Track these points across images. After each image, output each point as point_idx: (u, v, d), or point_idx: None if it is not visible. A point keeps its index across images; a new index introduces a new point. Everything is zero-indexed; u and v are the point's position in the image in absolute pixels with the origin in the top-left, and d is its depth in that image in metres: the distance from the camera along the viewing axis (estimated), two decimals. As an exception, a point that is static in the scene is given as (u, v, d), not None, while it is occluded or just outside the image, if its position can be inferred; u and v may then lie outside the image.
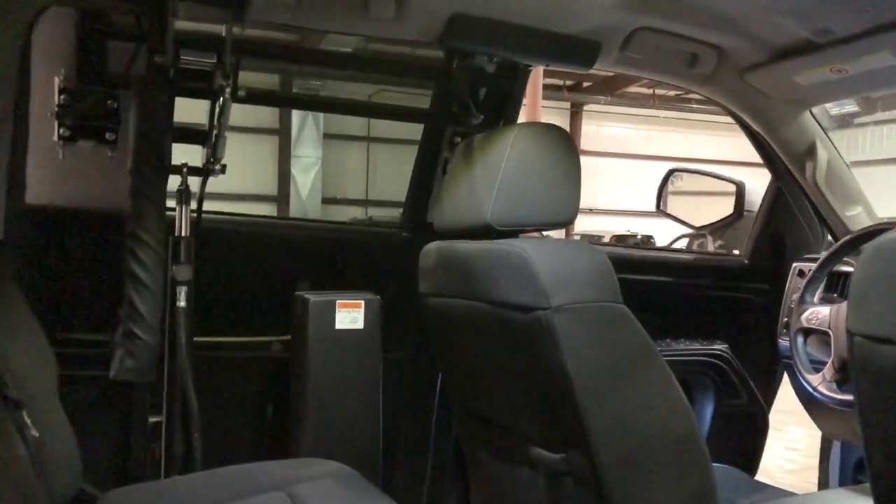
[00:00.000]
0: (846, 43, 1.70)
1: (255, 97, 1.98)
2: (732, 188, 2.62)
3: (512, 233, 1.55)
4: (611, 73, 9.39)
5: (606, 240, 11.42)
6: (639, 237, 13.18)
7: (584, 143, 16.41)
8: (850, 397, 1.79)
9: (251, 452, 2.12)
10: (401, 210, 2.38)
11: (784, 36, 1.80)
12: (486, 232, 1.55)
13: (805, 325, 2.01)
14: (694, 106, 15.59)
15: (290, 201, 12.53)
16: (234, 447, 2.11)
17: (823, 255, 2.06)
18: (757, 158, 2.45)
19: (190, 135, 1.88)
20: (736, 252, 2.72)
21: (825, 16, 1.66)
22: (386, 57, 2.46)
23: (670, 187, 2.75)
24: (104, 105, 1.79)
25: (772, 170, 2.41)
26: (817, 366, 1.95)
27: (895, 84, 1.92)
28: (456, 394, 1.89)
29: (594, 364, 1.43)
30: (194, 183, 1.91)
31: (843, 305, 1.87)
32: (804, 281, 2.10)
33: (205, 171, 1.90)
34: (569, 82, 15.55)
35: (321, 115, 12.68)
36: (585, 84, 15.94)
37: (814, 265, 2.07)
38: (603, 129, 17.01)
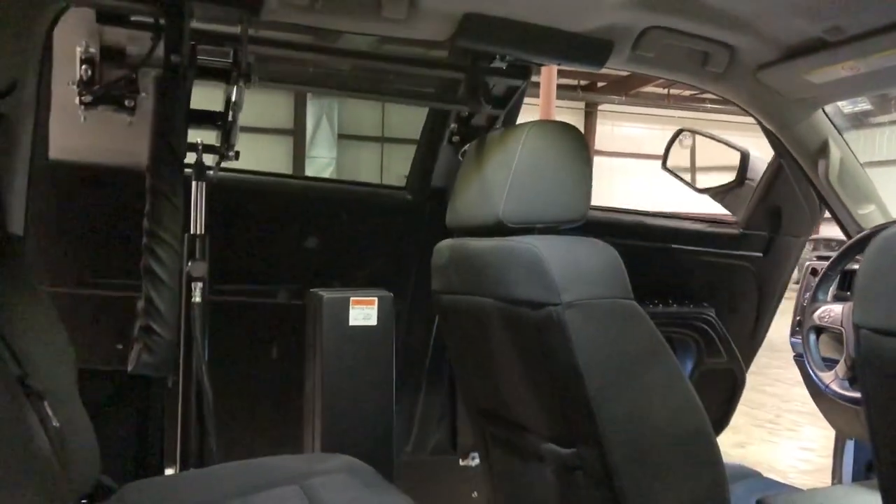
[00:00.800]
0: (857, 41, 1.70)
1: (269, 78, 2.02)
2: (737, 155, 2.66)
3: (524, 230, 1.56)
4: (625, 73, 9.37)
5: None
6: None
7: (599, 143, 16.37)
8: (862, 395, 1.79)
9: (266, 446, 2.15)
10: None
11: (796, 34, 1.80)
12: (498, 229, 1.57)
13: (818, 322, 2.02)
14: (709, 106, 15.51)
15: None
16: (249, 441, 2.14)
17: (836, 253, 2.06)
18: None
19: (204, 118, 1.91)
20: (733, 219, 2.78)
21: (836, 14, 1.66)
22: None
23: (678, 146, 2.79)
24: (124, 79, 1.83)
25: (787, 164, 2.42)
26: (830, 364, 1.95)
27: (908, 81, 1.92)
28: (468, 390, 1.91)
29: (605, 359, 1.44)
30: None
31: (856, 303, 1.87)
32: (816, 279, 2.10)
33: (220, 153, 1.94)
34: (583, 82, 15.52)
35: (336, 115, 12.73)
36: (600, 84, 15.90)
37: (826, 263, 2.07)
38: (617, 129, 16.96)
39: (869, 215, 2.25)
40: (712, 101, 14.89)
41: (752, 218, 2.64)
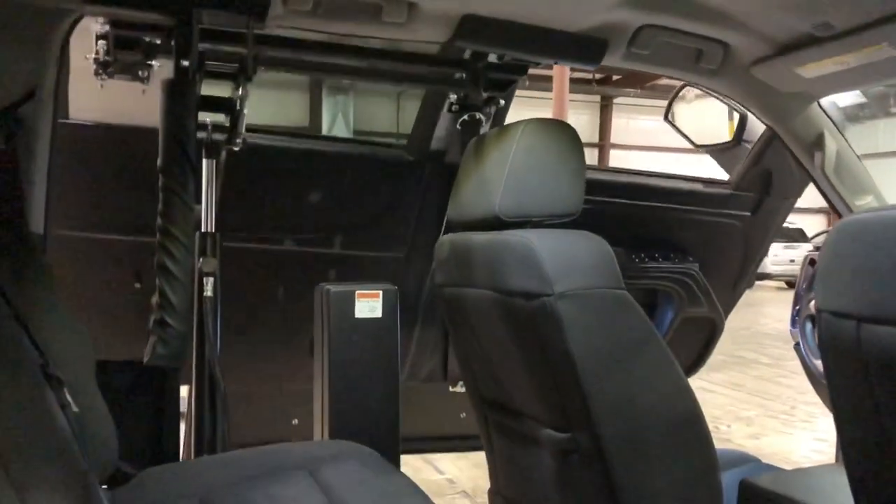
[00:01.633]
0: (846, 36, 1.74)
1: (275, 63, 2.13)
2: (736, 116, 2.80)
3: (519, 224, 1.62)
4: (638, 67, 9.30)
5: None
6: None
7: (615, 136, 16.30)
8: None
9: (276, 434, 2.23)
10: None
11: (786, 30, 1.83)
12: (495, 223, 1.63)
13: (813, 311, 2.06)
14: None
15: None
16: (259, 429, 2.22)
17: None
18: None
19: (213, 105, 1.97)
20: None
21: (825, 11, 1.70)
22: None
23: (682, 102, 2.91)
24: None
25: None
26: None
27: None
28: (471, 379, 1.97)
29: (597, 347, 1.50)
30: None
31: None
32: (814, 269, 2.14)
33: (228, 138, 2.01)
34: (598, 76, 15.45)
35: (351, 113, 12.77)
36: (615, 77, 15.82)
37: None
38: (633, 122, 16.88)
39: (866, 206, 2.28)
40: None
41: (744, 179, 2.81)
